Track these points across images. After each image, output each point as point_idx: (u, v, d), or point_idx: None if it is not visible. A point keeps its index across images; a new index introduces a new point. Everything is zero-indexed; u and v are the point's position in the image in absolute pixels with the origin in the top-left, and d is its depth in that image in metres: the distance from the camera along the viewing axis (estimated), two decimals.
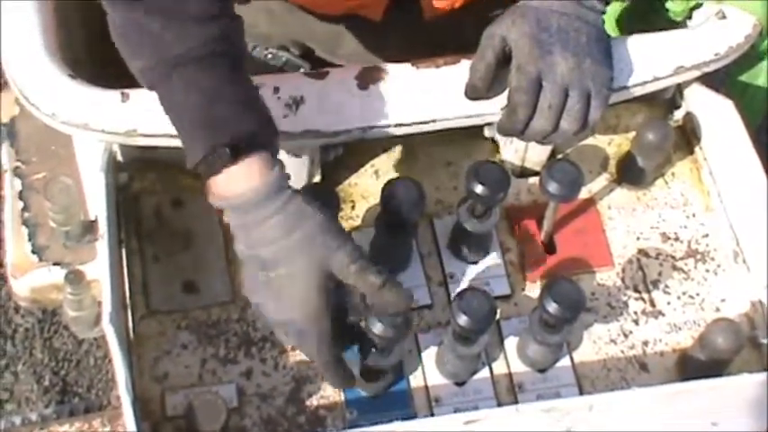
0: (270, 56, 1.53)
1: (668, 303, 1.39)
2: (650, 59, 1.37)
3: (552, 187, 1.32)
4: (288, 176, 1.17)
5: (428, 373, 1.32)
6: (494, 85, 1.32)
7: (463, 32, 1.50)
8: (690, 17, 1.50)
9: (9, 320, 2.33)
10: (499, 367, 1.33)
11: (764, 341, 1.35)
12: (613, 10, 1.63)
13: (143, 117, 1.27)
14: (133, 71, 1.18)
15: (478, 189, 1.30)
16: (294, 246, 1.15)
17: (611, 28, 1.60)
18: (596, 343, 1.35)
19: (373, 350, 1.24)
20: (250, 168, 1.14)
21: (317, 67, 1.53)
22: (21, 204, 1.41)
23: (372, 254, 1.36)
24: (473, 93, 1.32)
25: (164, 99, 1.17)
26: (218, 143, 1.13)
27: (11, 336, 2.33)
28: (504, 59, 1.31)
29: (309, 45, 1.55)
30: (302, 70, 1.53)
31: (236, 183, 1.14)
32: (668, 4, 1.51)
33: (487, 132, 1.47)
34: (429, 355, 1.32)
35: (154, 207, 1.40)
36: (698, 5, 1.48)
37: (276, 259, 1.16)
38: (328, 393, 1.30)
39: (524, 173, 1.46)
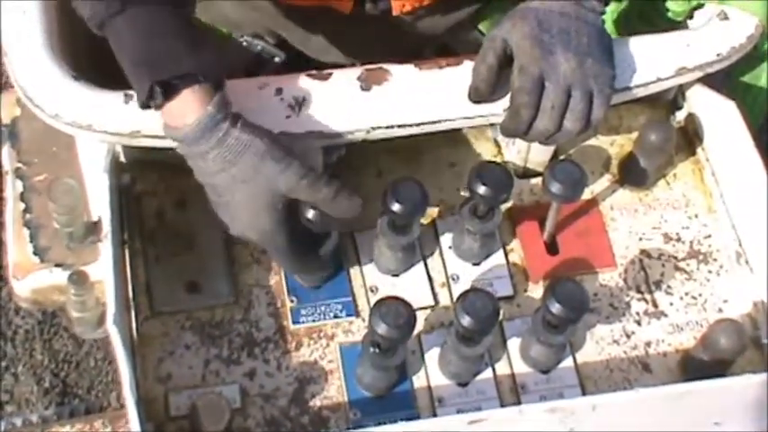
0: (245, 43, 1.55)
1: (671, 304, 1.39)
2: (652, 60, 1.38)
3: (555, 188, 1.32)
4: (228, 106, 1.21)
5: (431, 373, 1.32)
6: (496, 87, 1.32)
7: (432, 28, 1.51)
8: (691, 17, 1.50)
9: (9, 322, 2.33)
10: (502, 368, 1.33)
11: (767, 341, 1.35)
12: (612, 10, 1.63)
13: (147, 118, 1.27)
14: (85, 20, 1.21)
15: (481, 190, 1.30)
16: (235, 177, 1.20)
17: (609, 29, 1.60)
18: (599, 343, 1.36)
19: (377, 350, 1.24)
20: (186, 104, 1.19)
21: (295, 58, 1.54)
22: (22, 206, 1.41)
23: (375, 254, 1.37)
24: (476, 96, 1.32)
25: (113, 44, 1.21)
26: (155, 80, 1.17)
27: (11, 337, 2.32)
28: (506, 61, 1.31)
29: (282, 35, 1.55)
30: (277, 59, 1.54)
31: (175, 117, 1.20)
32: (669, 4, 1.51)
33: (490, 133, 1.48)
34: (432, 355, 1.33)
35: (157, 208, 1.40)
36: (699, 5, 1.48)
37: (222, 188, 1.22)
38: (332, 394, 1.30)
39: (527, 173, 1.46)
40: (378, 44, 1.43)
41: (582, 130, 1.30)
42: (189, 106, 1.19)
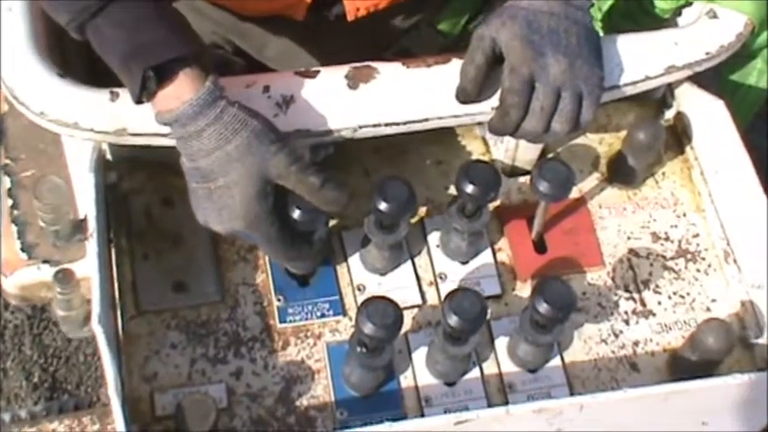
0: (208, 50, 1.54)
1: (659, 303, 1.39)
2: (641, 59, 1.37)
3: (543, 187, 1.32)
4: (222, 87, 1.21)
5: (418, 373, 1.32)
6: (484, 87, 1.31)
7: (389, 31, 1.51)
8: (679, 14, 1.50)
9: None
10: (490, 367, 1.33)
11: (755, 341, 1.35)
12: (597, 7, 1.63)
13: (132, 116, 1.27)
14: (63, 25, 1.21)
15: (469, 188, 1.29)
16: (230, 155, 1.20)
17: (597, 26, 1.60)
18: (587, 343, 1.35)
19: (364, 350, 1.24)
20: (181, 85, 1.20)
21: (251, 64, 1.54)
22: (10, 202, 1.40)
23: (362, 253, 1.37)
24: (464, 96, 1.32)
25: (96, 45, 1.21)
26: (148, 66, 1.18)
27: (0, 332, 2.32)
28: (495, 61, 1.31)
29: (238, 44, 1.55)
30: (236, 67, 1.54)
31: (170, 100, 1.20)
32: (657, 2, 1.51)
33: (478, 131, 1.47)
34: (419, 355, 1.32)
35: (143, 206, 1.39)
36: (688, 3, 1.47)
37: (214, 170, 1.21)
38: (319, 393, 1.30)
39: (515, 172, 1.46)
40: (336, 51, 1.41)
41: (570, 132, 1.30)
42: (185, 86, 1.19)
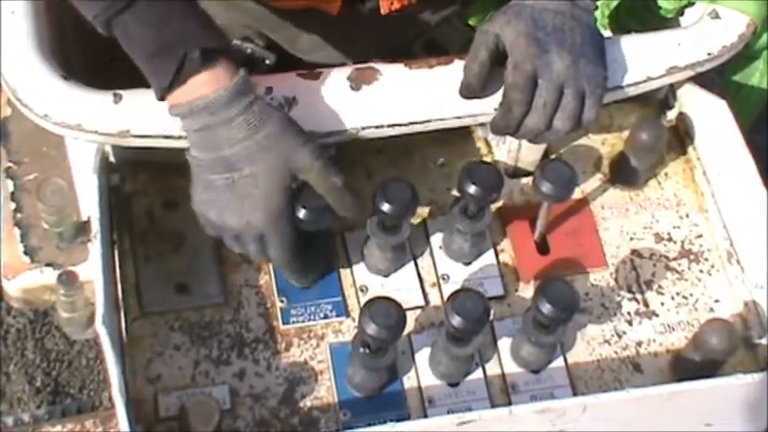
0: (235, 47, 1.54)
1: (662, 304, 1.39)
2: (643, 59, 1.37)
3: (546, 187, 1.32)
4: (252, 83, 1.22)
5: (421, 374, 1.32)
6: (488, 83, 1.31)
7: (420, 24, 1.51)
8: (682, 14, 1.50)
9: (1, 321, 2.32)
10: (493, 368, 1.33)
11: (758, 341, 1.35)
12: (606, 4, 1.63)
13: (136, 118, 1.27)
14: (90, 20, 1.21)
15: (471, 189, 1.30)
16: (259, 144, 1.21)
17: (603, 25, 1.61)
18: (590, 344, 1.35)
19: (367, 351, 1.24)
20: (215, 73, 1.20)
21: (285, 58, 1.54)
22: (13, 205, 1.40)
23: (365, 254, 1.37)
24: (468, 91, 1.32)
25: (123, 40, 1.21)
26: (190, 50, 1.18)
27: (2, 336, 2.32)
28: (498, 58, 1.31)
29: (270, 36, 1.55)
30: (267, 62, 1.54)
31: (202, 87, 1.20)
32: (660, 2, 1.51)
33: (480, 132, 1.47)
34: (422, 356, 1.32)
35: (146, 208, 1.39)
36: (690, 3, 1.48)
37: (241, 158, 1.21)
38: (322, 394, 1.30)
39: (517, 173, 1.46)
40: (366, 43, 1.42)
41: (572, 130, 1.30)
42: (220, 74, 1.20)
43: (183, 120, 1.22)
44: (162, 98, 1.21)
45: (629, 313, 1.38)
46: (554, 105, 1.28)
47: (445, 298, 1.33)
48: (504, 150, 1.44)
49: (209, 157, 1.22)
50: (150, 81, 1.22)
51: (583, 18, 1.32)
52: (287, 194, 1.23)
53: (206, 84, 1.20)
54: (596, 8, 1.36)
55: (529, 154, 1.44)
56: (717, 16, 1.41)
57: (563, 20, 1.31)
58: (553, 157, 1.47)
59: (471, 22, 1.63)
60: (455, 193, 1.37)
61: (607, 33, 1.61)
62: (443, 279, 1.38)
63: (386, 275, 1.37)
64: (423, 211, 1.41)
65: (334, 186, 1.25)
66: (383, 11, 1.45)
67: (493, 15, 1.32)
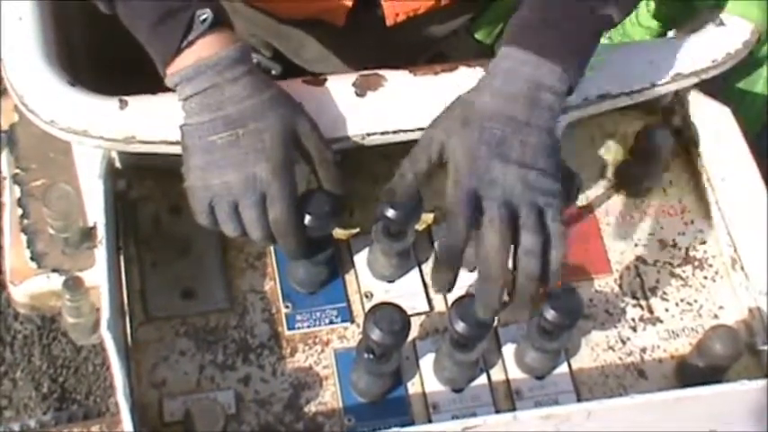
0: None
1: (666, 310, 1.39)
2: (648, 66, 1.37)
3: None
4: (250, 52, 1.26)
5: (426, 379, 1.32)
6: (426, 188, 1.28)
7: (426, 36, 1.51)
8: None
9: (8, 327, 2.34)
10: (497, 374, 1.33)
11: (763, 348, 1.35)
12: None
13: (142, 124, 1.28)
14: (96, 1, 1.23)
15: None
16: (264, 103, 1.23)
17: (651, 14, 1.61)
18: (594, 350, 1.36)
19: (371, 356, 1.25)
20: (221, 36, 1.23)
21: (289, 69, 1.54)
22: (20, 211, 1.41)
23: (370, 260, 1.37)
24: (388, 198, 1.26)
25: (126, 16, 1.23)
26: (198, 12, 1.21)
27: (10, 342, 2.33)
28: (440, 166, 1.23)
29: (275, 46, 1.56)
30: (273, 72, 1.55)
31: (209, 48, 1.22)
32: None
33: None
34: (427, 361, 1.33)
35: (152, 214, 1.40)
36: None
37: (246, 116, 1.22)
38: (326, 400, 1.30)
39: None
40: (372, 54, 1.41)
41: (545, 245, 1.19)
42: (225, 37, 1.23)
43: (187, 84, 1.22)
44: (165, 65, 1.23)
45: (633, 319, 1.38)
46: (507, 221, 1.17)
47: (449, 304, 1.33)
48: None
49: (210, 117, 1.22)
50: (153, 51, 1.23)
51: (541, 123, 1.20)
52: (291, 152, 1.24)
53: (212, 45, 1.22)
54: (570, 93, 1.25)
55: None
56: (721, 23, 1.41)
57: (516, 127, 1.19)
58: None
59: (479, 35, 1.61)
60: None
61: (653, 25, 1.63)
62: None
63: (390, 281, 1.38)
64: (427, 217, 1.42)
65: (327, 159, 1.27)
66: (388, 22, 1.45)
67: (439, 117, 1.24)
